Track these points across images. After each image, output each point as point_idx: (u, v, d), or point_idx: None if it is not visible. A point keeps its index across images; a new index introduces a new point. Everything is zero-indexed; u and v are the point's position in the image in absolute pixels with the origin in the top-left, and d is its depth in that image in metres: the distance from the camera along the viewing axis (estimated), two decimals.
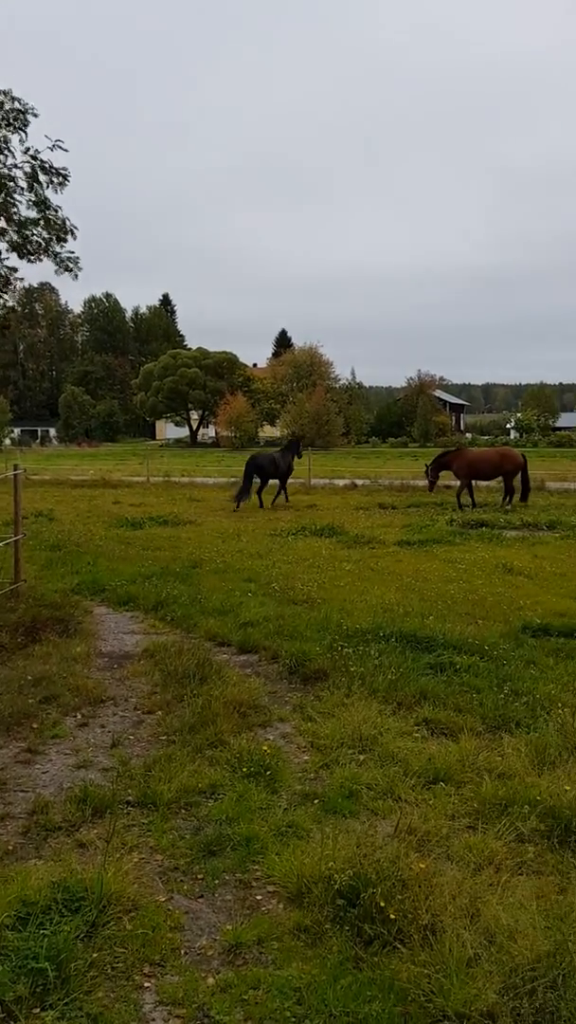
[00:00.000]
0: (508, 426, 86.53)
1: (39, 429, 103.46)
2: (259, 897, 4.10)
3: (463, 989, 3.32)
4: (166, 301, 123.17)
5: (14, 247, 12.86)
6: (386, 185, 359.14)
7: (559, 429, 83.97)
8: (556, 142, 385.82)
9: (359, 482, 28.06)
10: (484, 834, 4.54)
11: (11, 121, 12.38)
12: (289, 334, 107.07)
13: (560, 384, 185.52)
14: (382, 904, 3.78)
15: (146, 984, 3.49)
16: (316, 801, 4.95)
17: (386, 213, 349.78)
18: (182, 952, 3.71)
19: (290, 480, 26.30)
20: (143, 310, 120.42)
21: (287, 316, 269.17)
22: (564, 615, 9.20)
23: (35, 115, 12.52)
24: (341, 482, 28.35)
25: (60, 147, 12.36)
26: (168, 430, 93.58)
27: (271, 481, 23.39)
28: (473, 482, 21.83)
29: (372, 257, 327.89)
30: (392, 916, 3.74)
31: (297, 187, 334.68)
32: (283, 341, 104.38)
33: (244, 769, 5.29)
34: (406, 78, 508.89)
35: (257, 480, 22.79)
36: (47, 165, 12.45)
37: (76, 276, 13.49)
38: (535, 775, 5.19)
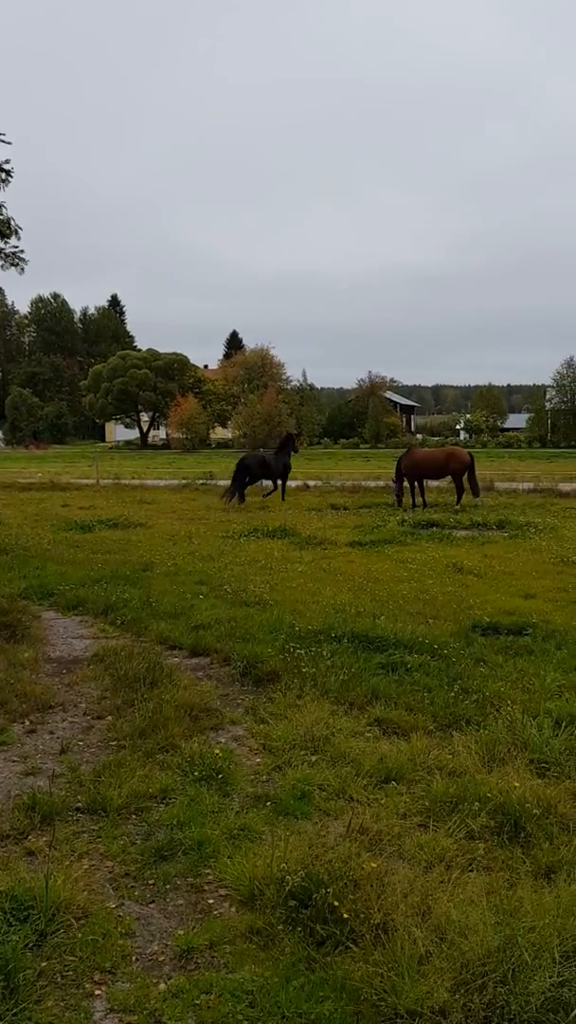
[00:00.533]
0: (458, 427, 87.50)
1: None
2: (211, 901, 4.08)
3: (415, 987, 3.33)
4: (115, 302, 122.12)
5: None
6: (335, 188, 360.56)
7: (507, 430, 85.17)
8: (499, 144, 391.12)
9: (311, 483, 28.15)
10: (435, 832, 4.57)
11: None
12: (240, 335, 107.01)
13: (508, 386, 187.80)
14: (334, 904, 3.79)
15: (96, 992, 3.44)
16: (268, 803, 4.94)
17: (336, 216, 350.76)
18: (133, 958, 3.67)
19: None
20: (92, 311, 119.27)
21: (238, 317, 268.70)
22: (513, 613, 9.32)
23: None
24: (293, 483, 28.35)
25: (2, 140, 12.15)
26: (118, 432, 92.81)
27: (265, 482, 23.72)
28: (426, 482, 22.09)
29: (322, 259, 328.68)
30: (344, 916, 3.74)
31: (245, 189, 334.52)
32: (234, 342, 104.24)
33: (196, 773, 5.26)
34: (353, 81, 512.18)
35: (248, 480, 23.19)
36: None
37: (22, 271, 13.30)
38: (485, 772, 5.25)
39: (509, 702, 6.37)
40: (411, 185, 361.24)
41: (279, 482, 24.01)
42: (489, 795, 4.83)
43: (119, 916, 3.94)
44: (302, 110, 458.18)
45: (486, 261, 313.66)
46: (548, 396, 71.56)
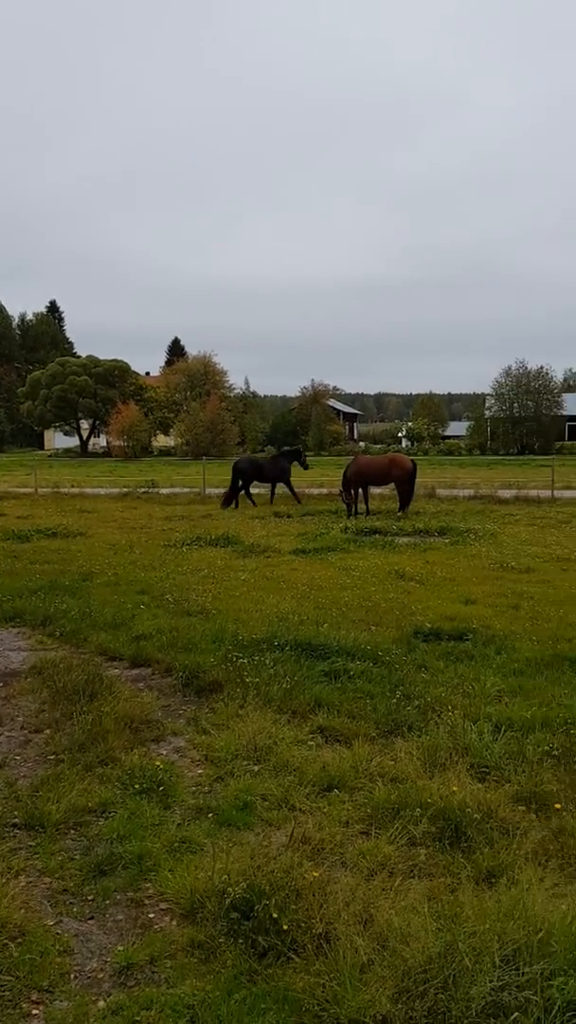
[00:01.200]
0: (400, 435, 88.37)
1: None
2: (151, 915, 4.02)
3: (357, 996, 3.33)
4: (53, 308, 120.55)
5: None
6: (272, 198, 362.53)
7: (448, 437, 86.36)
8: (429, 156, 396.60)
9: (254, 491, 28.10)
10: (377, 839, 4.58)
11: None
12: (182, 343, 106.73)
13: (449, 394, 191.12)
14: (276, 915, 3.76)
15: (34, 1011, 3.37)
16: (210, 815, 4.89)
17: (273, 225, 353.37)
18: (72, 976, 3.60)
19: (184, 489, 26.19)
20: (29, 317, 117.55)
21: (180, 325, 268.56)
22: (454, 619, 9.41)
23: None
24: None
25: None
26: (57, 440, 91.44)
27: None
28: (371, 490, 22.25)
29: (262, 268, 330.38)
30: (286, 927, 3.72)
31: (184, 197, 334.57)
32: (176, 350, 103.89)
33: (136, 786, 5.19)
34: (290, 94, 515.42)
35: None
36: None
37: None
38: (426, 778, 5.28)
39: (450, 707, 6.43)
40: (347, 196, 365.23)
41: (282, 486, 24.65)
42: (430, 801, 4.85)
43: (57, 934, 3.87)
44: (238, 121, 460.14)
45: (422, 271, 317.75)
46: (488, 404, 72.65)
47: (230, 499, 23.80)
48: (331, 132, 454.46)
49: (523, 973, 3.37)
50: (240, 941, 3.71)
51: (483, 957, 3.45)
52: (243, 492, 24.44)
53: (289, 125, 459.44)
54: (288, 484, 24.85)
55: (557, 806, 4.89)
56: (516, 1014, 3.21)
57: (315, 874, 4.06)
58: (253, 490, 25.37)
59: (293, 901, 3.86)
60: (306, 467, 25.87)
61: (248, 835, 4.63)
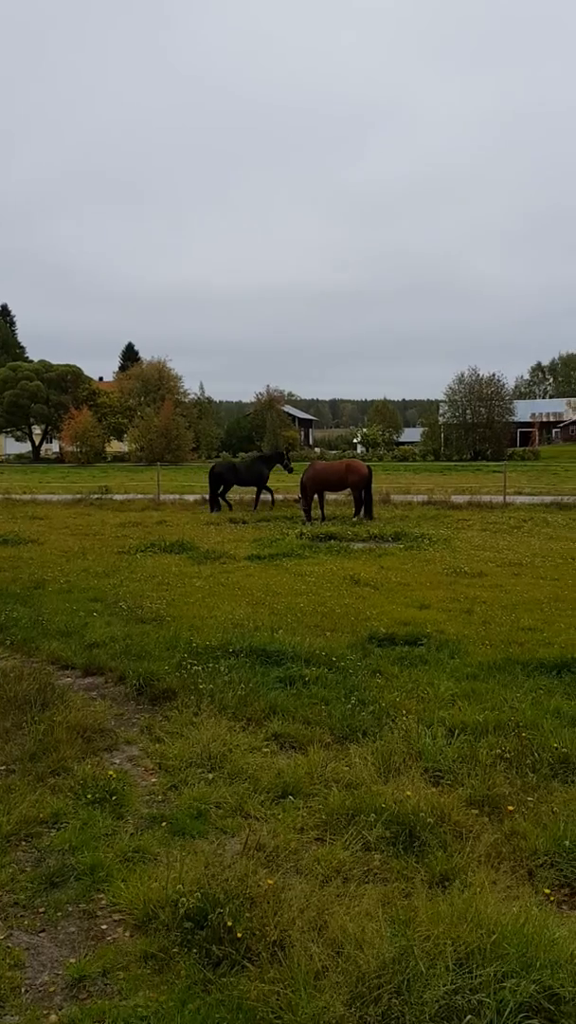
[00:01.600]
0: (355, 440, 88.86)
1: None
2: (104, 927, 3.97)
3: (312, 1003, 3.32)
4: (4, 312, 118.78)
5: None
6: (226, 203, 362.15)
7: (402, 443, 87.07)
8: (380, 163, 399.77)
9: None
10: (332, 845, 4.58)
11: None
12: (136, 348, 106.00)
13: (403, 400, 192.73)
14: (230, 924, 3.75)
15: None
16: (164, 824, 4.85)
17: (232, 230, 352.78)
18: (23, 990, 3.54)
19: (138, 495, 26.09)
20: None
21: (134, 330, 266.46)
22: (408, 624, 9.47)
23: None
24: (191, 497, 28.21)
25: None
26: (9, 446, 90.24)
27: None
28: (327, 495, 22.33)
29: (217, 273, 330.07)
30: (240, 935, 3.70)
31: (140, 202, 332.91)
32: (130, 355, 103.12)
33: (88, 795, 5.13)
34: (244, 100, 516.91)
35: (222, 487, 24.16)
36: None
37: None
38: (381, 783, 5.29)
39: (404, 712, 6.46)
40: (301, 202, 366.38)
41: (265, 490, 24.65)
42: (385, 806, 4.87)
43: (8, 947, 3.80)
44: (191, 126, 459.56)
45: (376, 278, 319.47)
46: (441, 411, 73.51)
47: (214, 503, 24.05)
48: (286, 138, 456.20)
49: (476, 976, 3.39)
50: (194, 951, 3.69)
51: (437, 961, 3.47)
52: (221, 496, 24.59)
53: (240, 131, 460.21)
54: (264, 489, 24.79)
55: (510, 808, 4.94)
56: (469, 1017, 3.23)
57: (270, 881, 4.04)
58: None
59: (247, 909, 3.85)
60: (290, 470, 25.81)
61: (202, 843, 4.60)
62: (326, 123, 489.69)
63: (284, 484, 28.65)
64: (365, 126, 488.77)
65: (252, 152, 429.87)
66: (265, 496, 24.92)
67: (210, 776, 5.46)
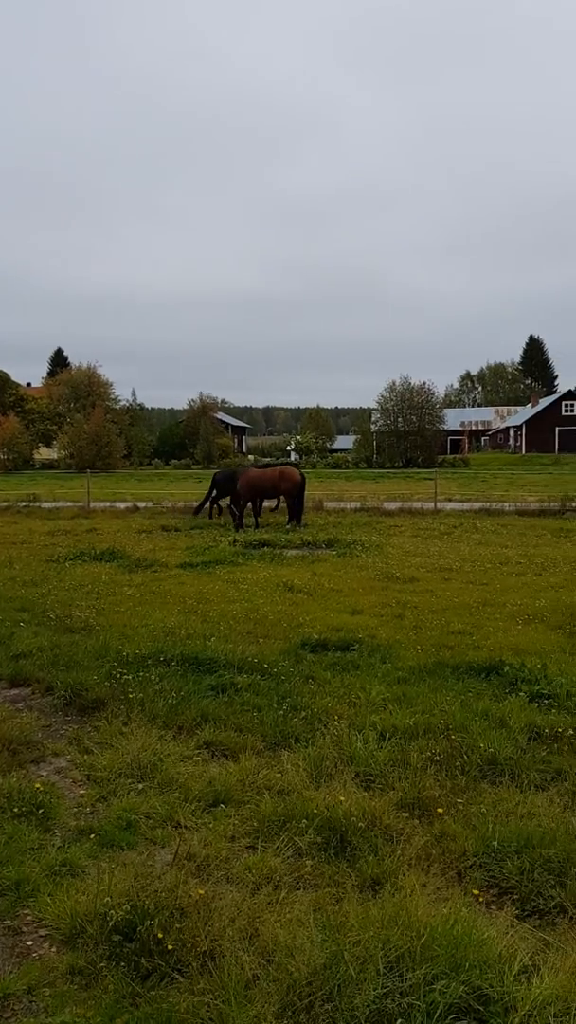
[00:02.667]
0: (289, 448, 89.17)
1: None
2: (30, 943, 3.87)
3: (242, 1013, 3.29)
4: None
5: None
6: (156, 208, 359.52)
7: (336, 451, 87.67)
8: (310, 172, 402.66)
9: (141, 504, 27.80)
10: (263, 852, 4.55)
11: None
12: (66, 353, 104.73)
13: (337, 408, 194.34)
14: (160, 935, 3.69)
15: None
16: (92, 836, 4.76)
17: (162, 236, 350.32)
18: None
19: (68, 503, 25.72)
20: None
21: (63, 335, 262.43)
22: (340, 630, 9.50)
23: None
24: (122, 505, 27.94)
25: None
26: None
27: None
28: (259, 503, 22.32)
29: (150, 279, 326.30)
30: (170, 947, 3.65)
31: (65, 204, 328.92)
32: (59, 360, 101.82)
33: (14, 809, 5.00)
34: (172, 104, 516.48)
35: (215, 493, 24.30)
36: None
37: None
38: (313, 789, 5.29)
39: (336, 717, 6.47)
40: (231, 209, 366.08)
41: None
42: (316, 811, 4.86)
43: None
44: (121, 128, 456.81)
45: (307, 287, 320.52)
46: (373, 419, 74.17)
47: (200, 508, 24.32)
48: (217, 144, 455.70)
49: (406, 979, 3.40)
50: (122, 964, 3.62)
51: (368, 965, 3.47)
52: (214, 504, 24.74)
53: (167, 135, 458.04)
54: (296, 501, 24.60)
55: (439, 811, 4.98)
56: (400, 1020, 3.23)
57: (200, 891, 4.00)
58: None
59: (178, 920, 3.80)
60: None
61: (132, 855, 4.53)
62: (257, 131, 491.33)
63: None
64: (296, 134, 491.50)
65: (183, 157, 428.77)
66: (271, 504, 24.83)
67: (140, 786, 5.38)
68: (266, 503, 24.78)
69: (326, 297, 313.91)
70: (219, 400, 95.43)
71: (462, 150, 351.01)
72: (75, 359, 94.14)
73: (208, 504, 24.62)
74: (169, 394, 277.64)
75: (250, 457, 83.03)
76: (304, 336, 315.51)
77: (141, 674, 7.54)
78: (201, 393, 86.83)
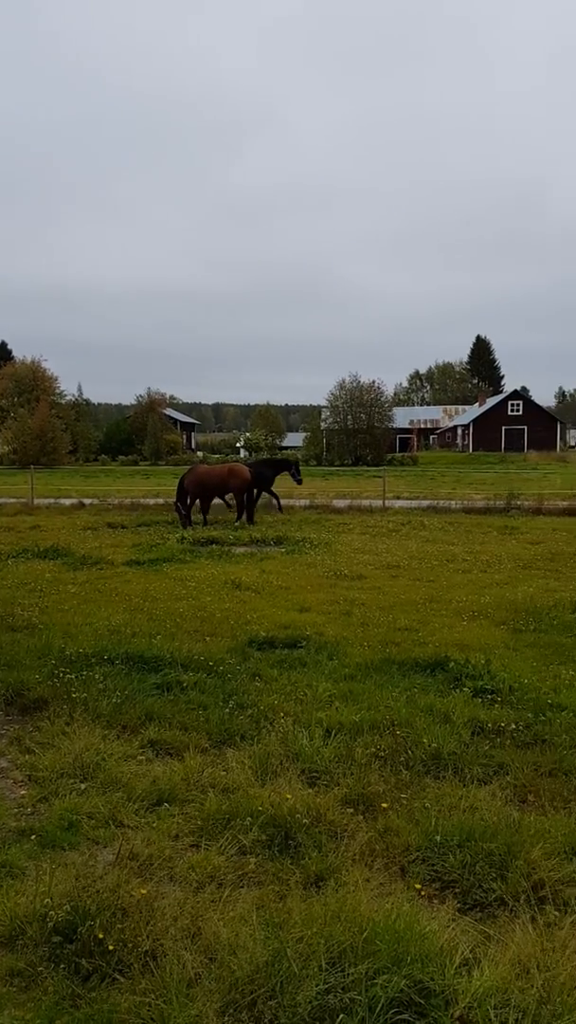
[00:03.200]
0: (238, 445, 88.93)
1: None
2: None
3: (183, 1012, 3.26)
4: None
5: None
6: (99, 201, 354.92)
7: (285, 448, 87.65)
8: (263, 170, 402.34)
9: (87, 501, 27.50)
10: (207, 851, 4.53)
11: None
12: (10, 347, 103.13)
13: (286, 405, 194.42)
14: (101, 936, 3.65)
15: None
16: (33, 836, 4.69)
17: (107, 230, 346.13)
18: None
19: (10, 499, 25.43)
20: None
21: (6, 328, 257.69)
22: (288, 627, 9.51)
23: None
24: (68, 501, 27.60)
25: None
26: None
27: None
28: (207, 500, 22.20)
29: (95, 272, 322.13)
30: (112, 947, 3.61)
31: (7, 195, 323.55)
32: (2, 354, 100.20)
33: None
34: (110, 96, 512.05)
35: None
36: None
37: None
38: (258, 786, 5.28)
39: (283, 715, 6.48)
40: (177, 204, 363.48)
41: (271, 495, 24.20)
42: (261, 809, 4.86)
43: None
44: (63, 119, 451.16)
45: (256, 283, 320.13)
46: (323, 416, 74.36)
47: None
48: (163, 137, 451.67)
49: (348, 974, 3.41)
50: (62, 966, 3.57)
51: (310, 962, 3.47)
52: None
53: (111, 128, 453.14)
54: (269, 493, 24.38)
55: (383, 806, 5.01)
56: (342, 1016, 3.24)
57: (143, 891, 3.97)
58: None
59: (119, 920, 3.76)
60: (299, 481, 25.39)
61: (73, 855, 4.47)
62: (204, 125, 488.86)
63: (135, 488, 28.23)
64: (242, 130, 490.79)
65: (128, 149, 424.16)
66: (273, 501, 24.51)
67: (82, 786, 5.32)
68: (270, 501, 24.58)
69: (274, 294, 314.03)
70: (168, 396, 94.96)
71: (408, 149, 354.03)
72: (19, 353, 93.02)
73: (256, 500, 23.98)
74: (117, 389, 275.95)
75: (199, 454, 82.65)
76: (253, 333, 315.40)
77: (85, 673, 7.45)
78: (149, 389, 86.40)
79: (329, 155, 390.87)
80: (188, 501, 21.69)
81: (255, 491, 22.63)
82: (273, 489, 24.06)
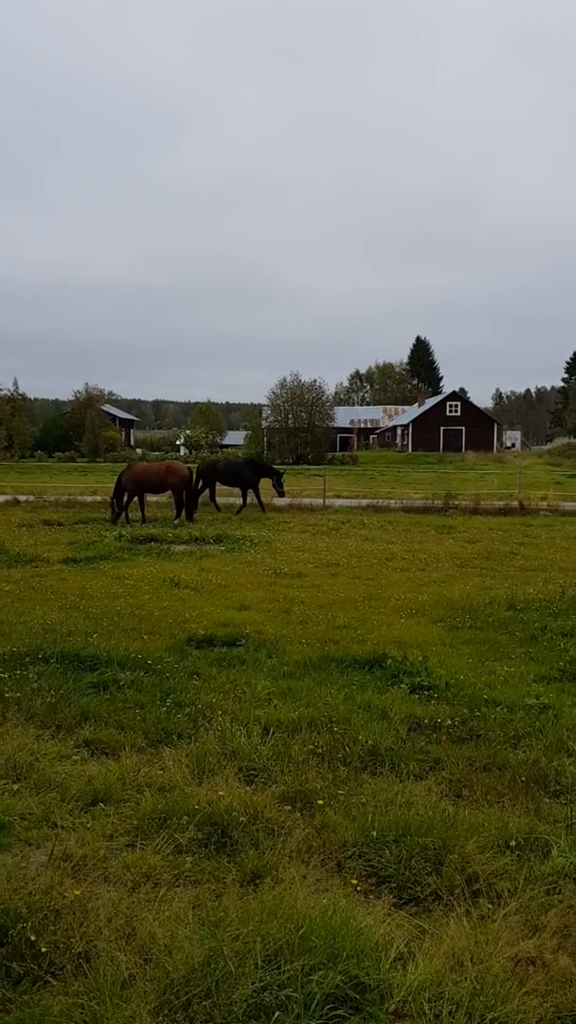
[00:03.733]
0: (178, 442, 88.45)
1: None
2: None
3: (117, 1014, 3.22)
4: None
5: None
6: (35, 195, 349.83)
7: (226, 446, 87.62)
8: (200, 165, 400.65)
9: (22, 498, 27.02)
10: (143, 850, 4.47)
11: None
12: None
13: (227, 403, 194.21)
14: (33, 938, 3.58)
15: None
16: None
17: (38, 224, 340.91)
18: None
19: None
20: None
21: None
22: (227, 625, 9.48)
23: None
24: (2, 498, 27.09)
25: None
26: None
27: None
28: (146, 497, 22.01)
29: (30, 266, 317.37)
30: (44, 949, 3.55)
31: None
32: None
33: None
34: (59, 88, 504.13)
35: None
36: None
37: None
38: (195, 785, 5.24)
39: (221, 713, 6.45)
40: (113, 197, 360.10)
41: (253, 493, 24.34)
42: (198, 807, 4.82)
43: None
44: None
45: (195, 279, 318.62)
46: (264, 415, 74.42)
47: (190, 508, 22.59)
48: (100, 130, 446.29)
49: (284, 971, 3.41)
50: None
51: (246, 960, 3.46)
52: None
53: (50, 118, 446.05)
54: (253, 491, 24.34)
55: (320, 802, 5.01)
56: (277, 1014, 3.23)
57: (76, 892, 3.91)
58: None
59: (52, 922, 3.70)
60: (281, 494, 25.21)
61: (5, 857, 4.37)
62: (142, 119, 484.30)
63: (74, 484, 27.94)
64: (180, 125, 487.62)
65: (61, 141, 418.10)
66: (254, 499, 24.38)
67: (15, 787, 5.21)
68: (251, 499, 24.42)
69: (213, 291, 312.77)
70: (106, 392, 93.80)
71: (346, 148, 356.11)
72: None
73: (197, 497, 23.57)
74: (54, 385, 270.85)
75: (138, 451, 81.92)
76: (193, 330, 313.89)
77: (18, 672, 7.31)
78: (87, 384, 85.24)
79: (267, 151, 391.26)
80: (125, 499, 21.50)
81: (194, 489, 22.48)
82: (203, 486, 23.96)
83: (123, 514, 21.34)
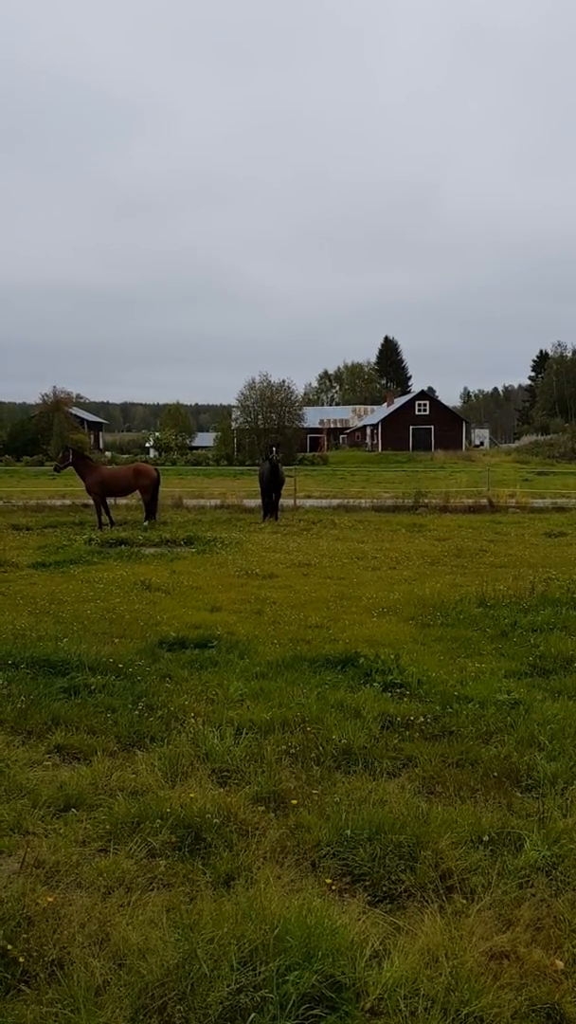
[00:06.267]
0: (147, 445, 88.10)
1: None
2: None
3: (92, 1020, 3.19)
4: None
5: None
6: None
7: (196, 448, 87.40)
8: (151, 163, 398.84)
9: None
10: (116, 855, 4.44)
11: None
12: None
13: (196, 404, 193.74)
14: (8, 947, 3.54)
15: None
16: None
17: None
18: None
19: None
20: None
21: None
22: (199, 627, 9.45)
23: None
24: None
25: None
26: None
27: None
28: (112, 500, 21.83)
29: None
30: (18, 958, 3.51)
31: None
32: None
33: None
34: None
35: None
36: None
37: None
38: (168, 788, 5.21)
39: (193, 715, 6.41)
40: (69, 200, 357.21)
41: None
42: (171, 810, 4.79)
43: None
44: None
45: (155, 280, 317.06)
46: (234, 416, 74.34)
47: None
48: (44, 126, 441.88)
49: (260, 972, 3.40)
50: None
51: (221, 962, 3.44)
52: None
53: None
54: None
55: (294, 802, 5.00)
56: (253, 1015, 3.22)
57: (49, 898, 3.87)
58: None
59: (24, 930, 3.66)
60: (279, 480, 24.23)
61: None
62: (91, 116, 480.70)
63: (45, 488, 27.79)
64: (130, 122, 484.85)
65: (8, 140, 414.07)
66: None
67: None
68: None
69: (175, 292, 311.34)
70: (74, 395, 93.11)
71: (297, 147, 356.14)
72: None
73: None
74: (20, 388, 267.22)
75: (107, 454, 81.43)
76: (158, 331, 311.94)
77: None
78: (55, 387, 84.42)
79: (220, 149, 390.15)
80: (94, 502, 21.37)
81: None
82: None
83: (99, 517, 21.13)
